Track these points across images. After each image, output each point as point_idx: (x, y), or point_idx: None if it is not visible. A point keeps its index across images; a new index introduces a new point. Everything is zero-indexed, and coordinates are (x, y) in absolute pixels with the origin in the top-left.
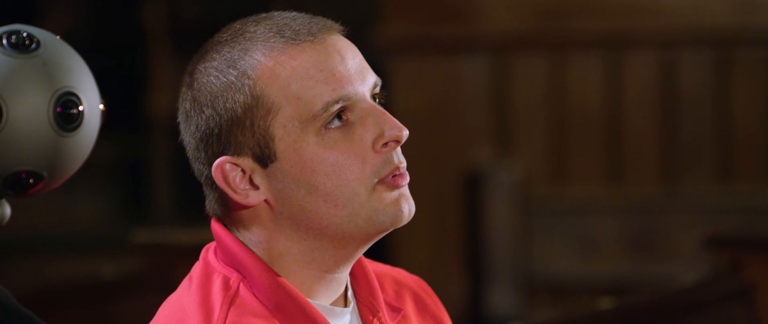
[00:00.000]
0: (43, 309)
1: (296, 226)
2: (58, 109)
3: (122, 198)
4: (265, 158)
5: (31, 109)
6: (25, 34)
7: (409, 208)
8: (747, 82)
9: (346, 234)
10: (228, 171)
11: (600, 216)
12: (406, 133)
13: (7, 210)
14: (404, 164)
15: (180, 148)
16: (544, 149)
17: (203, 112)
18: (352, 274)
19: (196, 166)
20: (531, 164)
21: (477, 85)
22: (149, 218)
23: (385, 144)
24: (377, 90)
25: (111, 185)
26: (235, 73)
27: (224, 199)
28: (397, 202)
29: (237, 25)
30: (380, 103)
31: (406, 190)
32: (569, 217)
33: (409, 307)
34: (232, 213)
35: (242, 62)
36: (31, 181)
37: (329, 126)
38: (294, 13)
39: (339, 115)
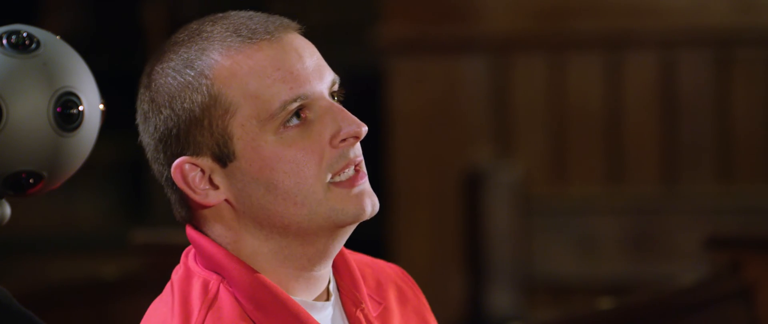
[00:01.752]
0: (43, 309)
1: (259, 225)
2: (58, 109)
3: (122, 198)
4: (224, 158)
5: (31, 109)
6: (25, 34)
7: (372, 205)
8: (747, 82)
9: (308, 231)
10: (187, 171)
11: (600, 216)
12: (364, 129)
13: (7, 210)
14: (361, 159)
15: None
16: (544, 149)
17: (161, 112)
18: (334, 266)
19: (156, 168)
20: (531, 164)
21: (477, 85)
22: (149, 218)
23: (343, 140)
24: (336, 87)
25: (111, 185)
26: (192, 73)
27: (185, 201)
28: (358, 198)
29: (193, 25)
30: (339, 101)
31: (366, 186)
32: (569, 217)
33: (392, 299)
34: (195, 214)
35: (199, 62)
36: (31, 181)
37: (288, 124)
38: (250, 12)
39: (297, 113)
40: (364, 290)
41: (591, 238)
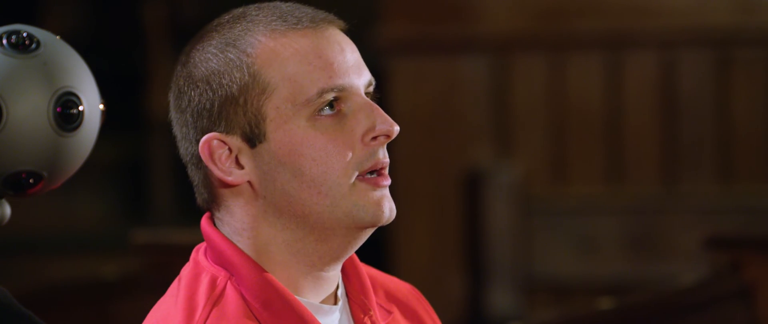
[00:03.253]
0: (43, 309)
1: (279, 212)
2: (58, 109)
3: (122, 198)
4: (254, 138)
5: (31, 109)
6: (25, 34)
7: (390, 209)
8: (747, 82)
9: (326, 225)
10: (215, 147)
11: (600, 216)
12: (396, 128)
13: (7, 210)
14: (387, 163)
15: None
16: (544, 149)
17: (197, 87)
18: (344, 272)
19: (184, 145)
20: (531, 164)
21: (477, 85)
22: (149, 218)
23: (375, 138)
24: (371, 89)
25: (111, 185)
26: (234, 51)
27: (208, 180)
28: (379, 201)
29: (238, 10)
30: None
31: (387, 192)
32: (569, 217)
33: (401, 313)
34: (216, 195)
35: (242, 41)
36: (31, 181)
37: (321, 113)
38: (296, 4)
39: (331, 104)
40: (373, 297)
41: (591, 238)
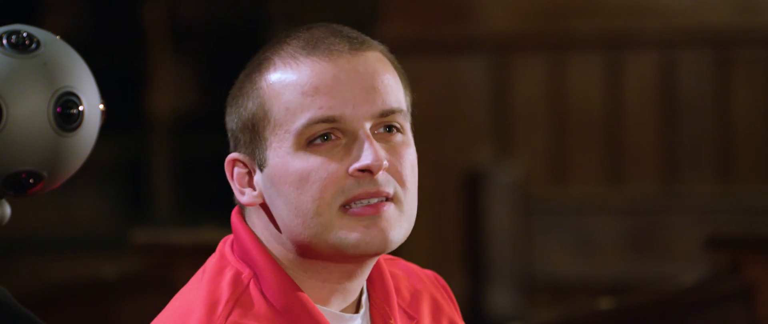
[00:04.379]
0: (43, 309)
1: (285, 234)
2: (58, 109)
3: (122, 198)
4: (261, 162)
5: (31, 109)
6: (25, 34)
7: (381, 240)
8: (747, 82)
9: (319, 252)
10: (235, 167)
11: (600, 216)
12: (379, 164)
13: (7, 210)
14: (383, 194)
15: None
16: (544, 149)
17: (231, 105)
18: (370, 278)
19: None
20: (531, 164)
21: (477, 85)
22: (149, 218)
23: (362, 170)
24: (390, 118)
25: (111, 185)
26: (257, 76)
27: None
28: (366, 228)
29: (282, 34)
30: (397, 132)
31: (382, 219)
32: (569, 217)
33: (425, 313)
34: (242, 209)
35: (263, 66)
36: (31, 181)
37: (314, 142)
38: (342, 28)
39: (327, 134)
40: (396, 305)
41: (591, 238)
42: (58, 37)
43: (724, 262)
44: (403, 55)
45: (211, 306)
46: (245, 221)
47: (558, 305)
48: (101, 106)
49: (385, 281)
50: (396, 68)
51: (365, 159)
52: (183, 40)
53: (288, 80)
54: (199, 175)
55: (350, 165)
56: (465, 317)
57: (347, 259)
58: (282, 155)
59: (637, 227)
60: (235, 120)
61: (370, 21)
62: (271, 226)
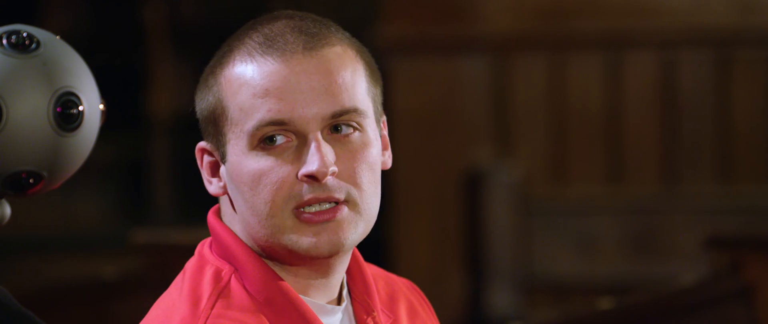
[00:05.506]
0: (43, 309)
1: (247, 230)
2: (58, 109)
3: (122, 198)
4: (222, 156)
5: (31, 109)
6: (25, 34)
7: (330, 243)
8: (747, 82)
9: (276, 252)
10: (202, 155)
11: (600, 216)
12: (323, 171)
13: (7, 210)
14: (333, 199)
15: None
16: (544, 149)
17: (197, 95)
18: (348, 272)
19: None
20: (531, 164)
21: (477, 85)
22: (149, 218)
23: (308, 175)
24: (344, 118)
25: (111, 185)
26: (218, 70)
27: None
28: (314, 233)
29: (249, 23)
30: (354, 130)
31: (331, 224)
32: (569, 217)
33: (402, 315)
34: (219, 209)
35: (224, 61)
36: (31, 181)
37: (264, 144)
38: (303, 22)
39: (274, 136)
40: (377, 298)
41: (591, 238)
42: (58, 37)
43: (724, 262)
44: (403, 55)
45: (194, 303)
46: (222, 220)
47: (558, 305)
48: (101, 106)
49: (365, 275)
50: (362, 61)
51: (310, 166)
52: (183, 40)
53: (242, 80)
54: (199, 175)
55: (299, 170)
56: (464, 317)
57: (303, 260)
58: (238, 153)
59: (637, 227)
60: (202, 109)
61: (370, 21)
62: (237, 220)
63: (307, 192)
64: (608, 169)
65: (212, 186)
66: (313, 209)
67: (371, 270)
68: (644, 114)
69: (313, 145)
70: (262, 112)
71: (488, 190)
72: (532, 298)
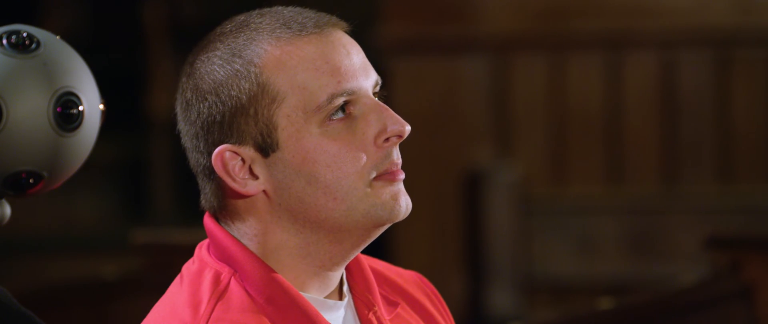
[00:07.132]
0: (43, 309)
1: (293, 218)
2: (58, 109)
3: (122, 198)
4: (266, 147)
5: (31, 109)
6: (25, 34)
7: (406, 204)
8: (747, 82)
9: (343, 228)
10: (228, 159)
11: (600, 216)
12: (408, 128)
13: (7, 210)
14: (400, 162)
15: (180, 149)
16: (544, 149)
17: (206, 99)
18: (347, 269)
19: (194, 156)
20: (531, 164)
21: (477, 85)
22: (149, 218)
23: (387, 139)
24: (377, 89)
25: (111, 185)
26: (240, 61)
27: (221, 190)
28: (395, 197)
29: (241, 17)
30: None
31: (402, 186)
32: (569, 217)
33: (408, 307)
34: (228, 204)
35: (248, 51)
36: (31, 181)
37: (333, 118)
38: (298, 8)
39: (342, 108)
40: (377, 292)
41: (591, 238)
42: (58, 37)
43: (724, 262)
44: (403, 55)
45: (194, 307)
46: (220, 225)
47: (558, 305)
48: (101, 106)
49: (365, 271)
50: None
51: (395, 125)
52: (183, 40)
53: (293, 60)
54: None
55: (376, 134)
56: (465, 317)
57: (370, 230)
58: (304, 135)
59: (637, 227)
60: (215, 112)
61: (370, 21)
62: (274, 214)
63: (385, 159)
64: (608, 169)
65: (248, 186)
66: (388, 174)
67: (378, 265)
68: (644, 114)
69: (383, 110)
70: (332, 85)
71: (488, 189)
72: (532, 298)
